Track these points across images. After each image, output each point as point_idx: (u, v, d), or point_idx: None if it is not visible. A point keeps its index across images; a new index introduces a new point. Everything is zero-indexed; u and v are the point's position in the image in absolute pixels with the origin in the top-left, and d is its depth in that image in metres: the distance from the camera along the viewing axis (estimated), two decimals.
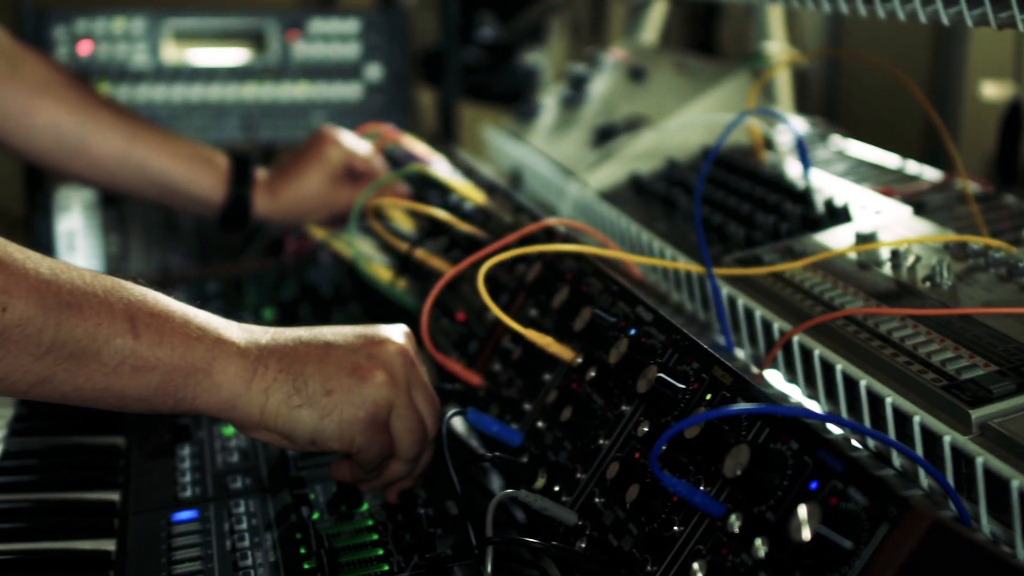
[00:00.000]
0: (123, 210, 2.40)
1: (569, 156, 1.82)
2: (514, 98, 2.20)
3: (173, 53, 2.41)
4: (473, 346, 1.38)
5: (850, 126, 1.81)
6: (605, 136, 1.76)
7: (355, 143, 1.77)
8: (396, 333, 1.14)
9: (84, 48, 2.37)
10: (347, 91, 2.47)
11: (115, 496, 1.26)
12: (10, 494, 1.27)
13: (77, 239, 2.38)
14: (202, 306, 1.17)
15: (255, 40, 2.45)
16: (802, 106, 2.39)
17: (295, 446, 1.09)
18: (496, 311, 1.17)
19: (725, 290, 1.25)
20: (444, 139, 2.35)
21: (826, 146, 1.68)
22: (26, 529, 1.20)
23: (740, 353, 1.26)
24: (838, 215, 1.36)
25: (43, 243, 2.36)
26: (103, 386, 1.03)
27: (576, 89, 2.02)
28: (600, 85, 2.02)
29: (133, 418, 1.42)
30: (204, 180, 1.74)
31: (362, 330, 1.13)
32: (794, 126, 1.60)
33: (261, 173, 1.78)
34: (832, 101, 2.54)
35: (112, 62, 2.39)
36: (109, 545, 1.17)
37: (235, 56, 2.43)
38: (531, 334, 1.19)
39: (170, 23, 2.41)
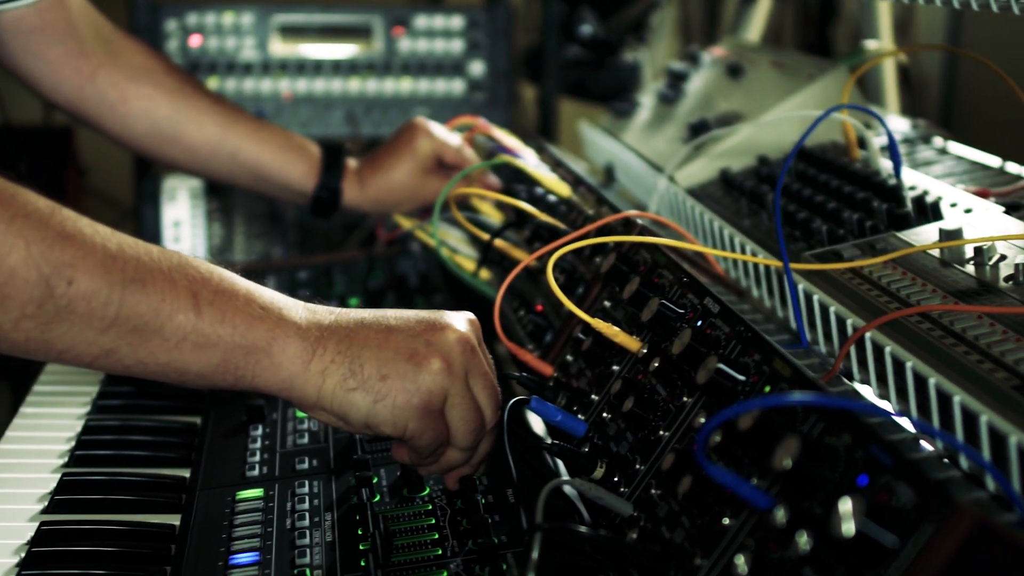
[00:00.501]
0: (227, 200, 2.45)
1: (661, 152, 1.80)
2: (615, 95, 2.18)
3: (280, 47, 2.45)
4: (548, 337, 1.37)
5: (967, 132, 1.75)
6: (698, 133, 1.74)
7: (445, 135, 1.78)
8: (459, 321, 1.13)
9: (194, 41, 2.42)
10: (450, 87, 2.48)
11: (186, 473, 1.28)
12: (88, 467, 1.29)
13: (183, 228, 2.43)
14: (291, 294, 1.18)
15: (361, 35, 2.47)
16: (917, 110, 2.33)
17: (351, 428, 1.09)
18: (562, 297, 1.16)
19: (801, 285, 1.22)
20: (542, 135, 2.35)
21: (929, 147, 1.63)
22: (100, 501, 1.22)
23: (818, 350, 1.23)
24: (926, 213, 1.32)
25: (150, 231, 2.41)
26: (165, 361, 1.04)
27: (673, 86, 2.00)
28: (697, 82, 2.00)
29: (213, 398, 1.44)
30: (295, 168, 1.77)
31: (425, 316, 1.12)
32: (890, 124, 1.56)
33: (352, 163, 1.80)
34: (949, 106, 2.47)
35: (221, 55, 2.44)
36: (175, 520, 1.19)
37: (341, 51, 2.46)
38: (597, 323, 1.17)
39: (278, 17, 2.44)
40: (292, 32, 2.46)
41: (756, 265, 1.36)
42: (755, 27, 2.21)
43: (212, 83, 2.43)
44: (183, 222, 2.43)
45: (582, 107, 2.45)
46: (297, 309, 1.10)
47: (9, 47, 1.60)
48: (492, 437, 1.14)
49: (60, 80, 1.66)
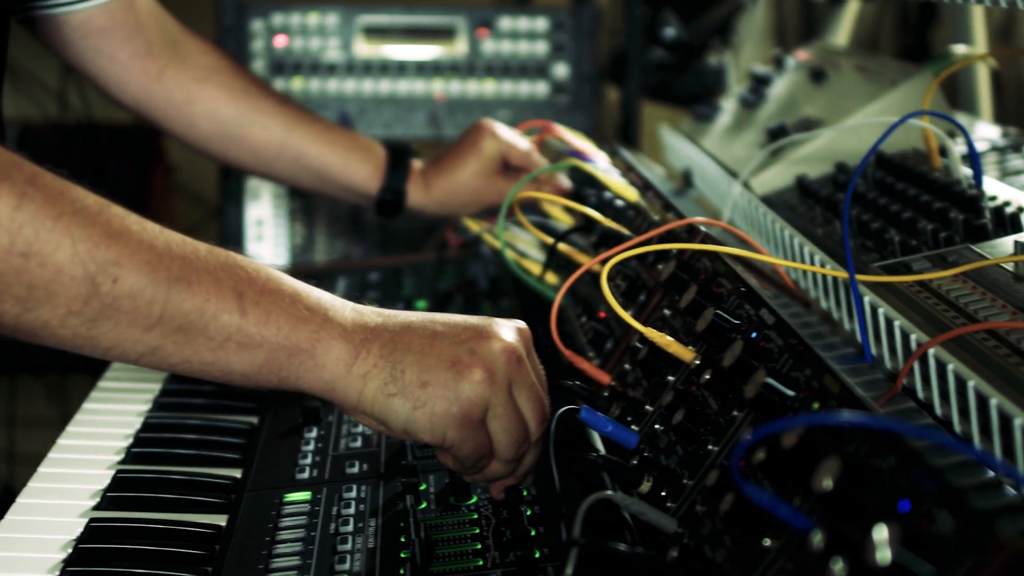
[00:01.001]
0: (309, 200, 2.46)
1: (739, 158, 1.76)
2: (699, 99, 2.14)
3: (364, 48, 2.45)
4: (609, 344, 1.35)
5: None
6: (775, 138, 1.69)
7: (512, 137, 1.76)
8: (507, 330, 1.10)
9: (279, 41, 2.43)
10: (533, 89, 2.46)
11: (238, 473, 1.28)
12: (143, 465, 1.30)
13: (265, 227, 2.44)
14: (358, 296, 1.17)
15: (445, 36, 2.46)
16: (1012, 118, 2.25)
17: (392, 434, 1.07)
18: (614, 304, 1.13)
19: (868, 298, 1.18)
20: (624, 139, 2.32)
21: (1019, 155, 1.57)
22: (150, 500, 1.22)
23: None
24: (1005, 225, 1.27)
25: (233, 230, 2.43)
26: (209, 360, 1.04)
27: (756, 90, 1.96)
28: (780, 87, 1.95)
29: (271, 399, 1.44)
30: (360, 170, 1.76)
31: (474, 323, 1.10)
32: (979, 132, 1.50)
33: (417, 164, 1.79)
34: None
35: (306, 56, 2.44)
36: (222, 520, 1.18)
37: (424, 52, 2.45)
38: (650, 332, 1.14)
39: (362, 18, 2.45)
40: (376, 33, 2.46)
41: (824, 276, 1.32)
42: (843, 30, 2.16)
43: (296, 83, 2.44)
44: (265, 221, 2.45)
45: (665, 111, 2.42)
46: (344, 310, 1.09)
47: (78, 47, 1.61)
48: (538, 449, 1.11)
49: (128, 80, 1.67)
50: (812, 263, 1.34)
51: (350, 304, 1.10)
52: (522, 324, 1.13)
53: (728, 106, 2.03)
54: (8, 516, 1.19)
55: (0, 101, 1.46)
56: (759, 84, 1.97)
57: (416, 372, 1.04)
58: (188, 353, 1.03)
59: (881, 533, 0.72)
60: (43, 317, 0.98)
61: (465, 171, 1.76)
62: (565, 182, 1.77)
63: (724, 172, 1.75)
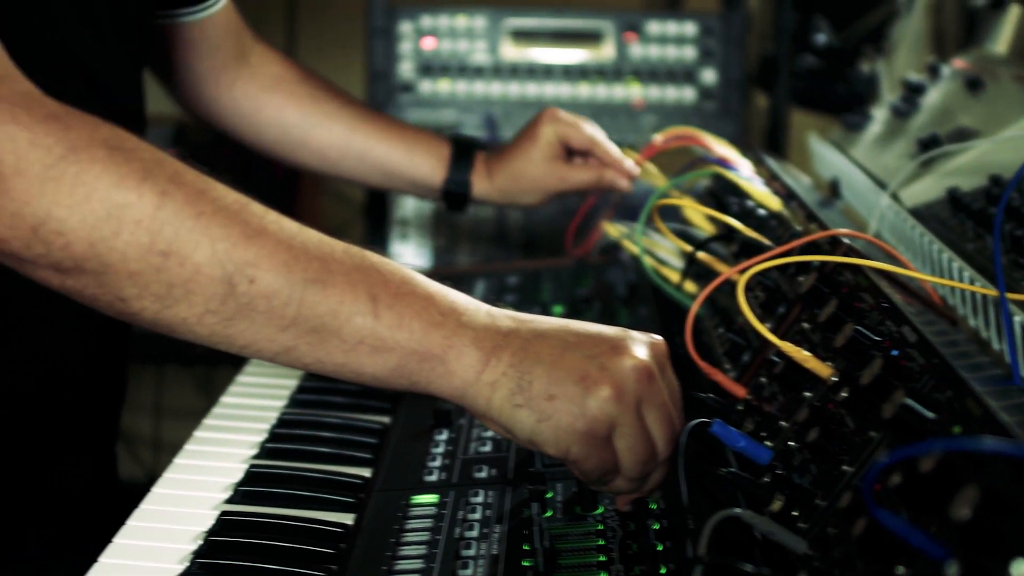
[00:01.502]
0: None
1: (888, 168, 1.71)
2: (850, 107, 2.09)
3: (511, 51, 2.45)
4: (745, 357, 1.32)
5: None
6: (927, 148, 1.64)
7: (575, 120, 1.77)
8: (641, 345, 1.07)
9: (428, 44, 2.45)
10: (680, 95, 2.44)
11: (367, 473, 1.28)
12: (275, 460, 1.32)
13: (409, 228, 2.46)
14: (495, 300, 1.17)
15: (591, 40, 2.45)
16: None
17: (519, 442, 1.06)
18: (749, 316, 1.11)
19: (1019, 318, 1.13)
20: (771, 146, 2.27)
21: None
22: (280, 495, 1.23)
23: None
24: None
25: (378, 230, 2.46)
26: (341, 361, 1.05)
27: (908, 99, 1.90)
28: (934, 96, 1.89)
29: (405, 399, 1.45)
30: (424, 164, 1.78)
31: (609, 336, 1.07)
32: None
33: (481, 156, 1.81)
34: None
35: (453, 58, 2.46)
36: (349, 519, 1.19)
37: (570, 55, 2.44)
38: (787, 346, 1.11)
39: (510, 21, 2.45)
40: (523, 36, 2.46)
41: (973, 293, 1.27)
42: (1003, 38, 2.07)
43: (443, 85, 2.45)
44: (409, 222, 2.47)
45: (814, 119, 2.36)
46: (478, 314, 1.08)
47: (166, 56, 1.67)
48: (666, 468, 1.09)
49: (200, 91, 1.74)
50: (961, 279, 1.30)
51: (484, 308, 1.09)
52: (658, 338, 1.10)
53: (879, 115, 1.97)
54: (143, 505, 1.21)
55: (143, 97, 1.50)
56: (912, 93, 1.91)
57: (544, 384, 1.03)
58: (321, 354, 1.04)
59: (1020, 570, 0.69)
60: (181, 314, 1.01)
61: (524, 158, 1.76)
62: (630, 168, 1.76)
63: (872, 183, 1.70)
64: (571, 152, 1.78)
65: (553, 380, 1.03)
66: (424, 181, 1.80)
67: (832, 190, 1.92)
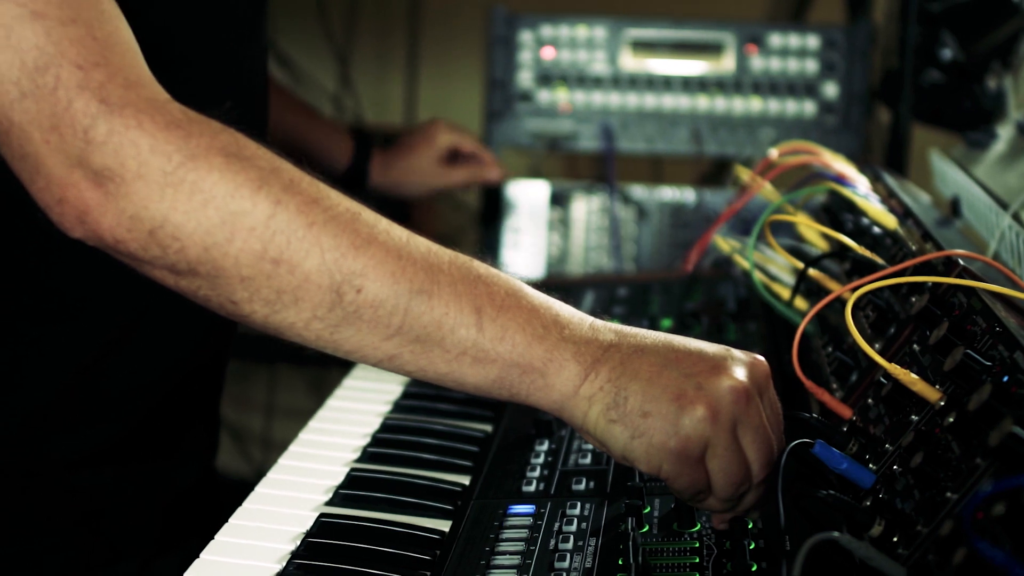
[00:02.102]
0: (567, 211, 2.46)
1: (1010, 188, 1.66)
2: (975, 124, 2.03)
3: (630, 61, 2.44)
4: (854, 378, 1.29)
5: None
6: None
7: (462, 130, 2.21)
8: (740, 366, 1.05)
9: (547, 53, 2.45)
10: (801, 108, 2.40)
11: (466, 480, 1.29)
12: (376, 464, 1.33)
13: (522, 235, 2.47)
14: (603, 312, 1.16)
15: (712, 52, 2.43)
16: None
17: (613, 456, 1.06)
18: (856, 336, 1.08)
19: None
20: (892, 163, 2.22)
21: None
22: (380, 500, 1.24)
23: None
24: None
25: (491, 238, 2.46)
26: (444, 371, 1.06)
27: None
28: None
29: (508, 410, 1.45)
30: (335, 150, 2.13)
31: (710, 354, 1.06)
32: None
33: (377, 150, 2.17)
34: None
35: (572, 67, 2.45)
36: (445, 526, 1.19)
37: (690, 67, 2.42)
38: (894, 368, 1.09)
39: (630, 32, 2.44)
40: (643, 47, 2.44)
41: None
42: None
43: (561, 94, 2.45)
44: (523, 230, 2.47)
45: (939, 135, 2.31)
46: (581, 328, 1.07)
47: None
48: (761, 490, 1.07)
49: None
50: None
51: (588, 321, 1.09)
52: (760, 359, 1.09)
53: (1004, 133, 1.92)
54: (246, 504, 1.23)
55: (267, 105, 1.53)
56: None
57: (639, 401, 1.02)
58: (424, 363, 1.06)
59: None
60: (289, 319, 1.03)
61: (419, 158, 2.17)
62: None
63: (993, 202, 1.65)
64: (456, 157, 2.20)
65: (648, 397, 1.02)
66: (332, 165, 2.13)
67: (952, 209, 1.87)
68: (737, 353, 1.07)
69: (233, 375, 3.07)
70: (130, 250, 1.02)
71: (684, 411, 1.01)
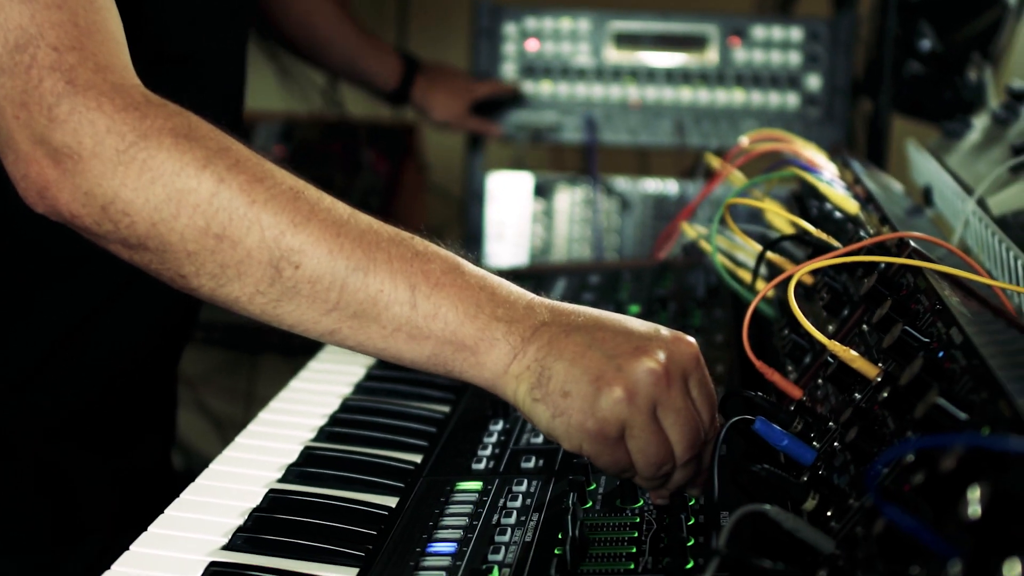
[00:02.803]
0: (551, 203, 2.47)
1: (978, 175, 1.66)
2: (954, 115, 2.03)
3: (614, 54, 2.45)
4: (807, 359, 1.29)
5: None
6: (1020, 154, 1.59)
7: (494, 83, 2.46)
8: (663, 347, 1.04)
9: (531, 45, 2.46)
10: (783, 100, 2.40)
11: (418, 459, 1.29)
12: (331, 444, 1.34)
13: (505, 227, 2.47)
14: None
15: (695, 44, 2.43)
16: None
17: (543, 433, 1.07)
18: (798, 314, 1.09)
19: None
20: (871, 153, 2.22)
21: None
22: (330, 476, 1.25)
23: None
24: None
25: (474, 227, 2.47)
26: (381, 347, 1.07)
27: (1010, 107, 1.84)
28: None
29: (469, 391, 1.45)
30: (385, 73, 2.36)
31: (638, 333, 1.05)
32: None
33: (422, 77, 2.39)
34: None
35: (556, 60, 2.46)
36: (393, 502, 1.20)
37: (673, 59, 2.43)
38: (833, 345, 1.09)
39: (614, 24, 2.44)
40: (627, 40, 2.45)
41: None
42: None
43: (545, 86, 2.46)
44: (506, 221, 2.48)
45: (917, 126, 2.31)
46: (516, 307, 1.07)
47: None
48: (690, 469, 1.07)
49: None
50: None
51: (527, 299, 1.09)
52: (689, 339, 1.08)
53: (979, 123, 1.92)
54: (198, 480, 1.24)
55: (243, 91, 1.56)
56: (1014, 100, 1.86)
57: (561, 381, 1.03)
58: (363, 338, 1.07)
59: (1014, 570, 0.66)
60: (234, 293, 1.06)
61: (455, 97, 2.41)
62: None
63: (960, 189, 1.65)
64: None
65: (570, 378, 1.02)
66: (380, 86, 2.39)
67: (925, 197, 1.87)
68: (665, 333, 1.06)
69: (217, 365, 3.09)
70: (85, 224, 1.05)
71: (601, 392, 1.01)
